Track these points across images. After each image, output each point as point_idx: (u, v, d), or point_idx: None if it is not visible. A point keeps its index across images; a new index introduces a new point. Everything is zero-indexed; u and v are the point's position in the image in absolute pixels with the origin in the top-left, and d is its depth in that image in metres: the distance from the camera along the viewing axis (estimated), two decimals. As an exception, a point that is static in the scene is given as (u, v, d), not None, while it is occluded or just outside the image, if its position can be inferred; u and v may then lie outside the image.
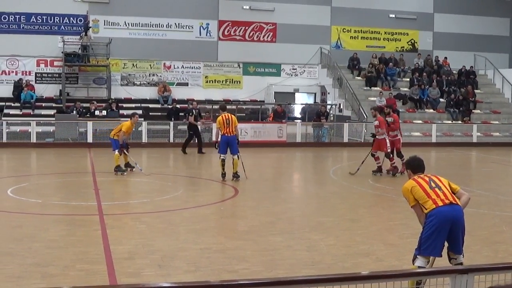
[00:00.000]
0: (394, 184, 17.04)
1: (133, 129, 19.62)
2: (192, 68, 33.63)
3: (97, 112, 28.35)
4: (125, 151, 18.32)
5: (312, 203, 14.96)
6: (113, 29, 32.28)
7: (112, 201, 13.93)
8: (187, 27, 33.48)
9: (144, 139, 27.04)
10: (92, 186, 15.94)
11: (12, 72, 31.28)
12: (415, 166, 7.63)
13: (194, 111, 25.16)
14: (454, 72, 36.25)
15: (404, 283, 4.50)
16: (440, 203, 6.97)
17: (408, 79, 35.10)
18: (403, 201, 14.43)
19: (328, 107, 31.67)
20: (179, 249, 9.74)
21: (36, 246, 9.62)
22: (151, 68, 33.00)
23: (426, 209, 7.06)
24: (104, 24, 32.32)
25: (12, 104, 30.07)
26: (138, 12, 32.54)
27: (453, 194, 7.13)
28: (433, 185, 7.15)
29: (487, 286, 4.37)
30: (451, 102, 33.60)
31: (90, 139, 26.50)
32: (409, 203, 7.36)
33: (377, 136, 19.00)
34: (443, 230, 6.90)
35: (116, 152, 18.02)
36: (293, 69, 35.04)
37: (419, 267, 6.83)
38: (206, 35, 33.98)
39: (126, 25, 32.54)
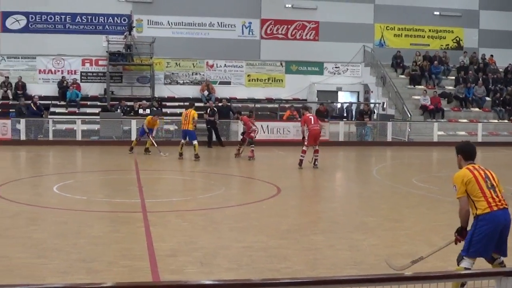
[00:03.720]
0: (439, 184, 16.82)
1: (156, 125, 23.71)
2: (235, 67, 33.72)
3: (141, 111, 28.61)
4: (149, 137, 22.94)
5: (355, 203, 14.86)
6: (157, 28, 32.57)
7: (155, 198, 14.01)
8: (230, 26, 33.57)
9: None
10: (135, 183, 16.11)
11: (58, 71, 31.79)
12: (468, 152, 7.18)
13: (209, 109, 27.06)
14: (501, 70, 35.61)
15: (448, 284, 4.42)
16: (495, 208, 6.66)
17: (453, 78, 34.60)
18: (448, 202, 14.33)
19: (372, 105, 31.43)
20: (221, 247, 9.77)
21: (81, 242, 9.76)
22: (194, 67, 33.19)
23: (478, 210, 6.76)
24: (148, 24, 32.62)
25: (58, 103, 30.54)
26: (181, 11, 32.76)
27: (503, 196, 6.79)
28: (489, 184, 6.78)
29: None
30: (497, 101, 33.03)
31: (134, 137, 26.70)
32: (457, 194, 6.95)
33: None
34: (495, 235, 6.66)
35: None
36: (335, 67, 34.86)
37: (465, 268, 6.64)
38: (249, 33, 34.03)
39: (169, 25, 32.79)
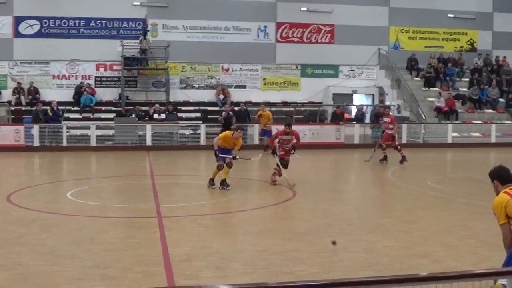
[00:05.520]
0: (453, 185, 16.78)
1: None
2: (250, 70, 33.75)
3: (156, 115, 28.69)
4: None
5: (370, 205, 14.85)
6: (172, 32, 32.66)
7: (170, 203, 14.03)
8: (245, 29, 33.63)
9: (203, 141, 27.25)
10: (150, 188, 16.15)
11: (72, 76, 31.91)
12: (504, 176, 6.75)
13: (224, 112, 27.61)
14: (515, 71, 35.47)
15: (461, 284, 4.44)
16: None
17: (467, 79, 34.48)
18: (462, 203, 14.31)
19: (381, 109, 31.34)
20: (237, 251, 9.80)
21: (96, 249, 9.79)
22: (209, 71, 33.26)
23: None
24: (163, 28, 32.72)
25: (72, 108, 30.56)
26: (196, 15, 32.83)
27: None
28: None
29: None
30: (511, 102, 32.85)
31: (149, 142, 26.86)
32: (498, 220, 6.54)
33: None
34: None
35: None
36: (351, 70, 34.82)
37: (502, 285, 6.37)
38: (264, 37, 34.07)
39: (184, 29, 32.88)
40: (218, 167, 15.84)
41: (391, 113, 24.22)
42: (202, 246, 9.96)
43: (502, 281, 6.20)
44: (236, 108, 29.59)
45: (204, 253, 9.55)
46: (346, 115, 31.58)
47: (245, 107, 29.35)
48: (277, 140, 17.10)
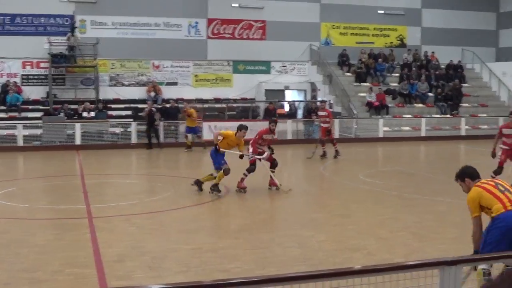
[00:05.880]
0: (384, 179, 17.04)
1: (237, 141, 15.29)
2: (182, 67, 33.45)
3: (85, 114, 28.13)
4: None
5: (303, 200, 14.91)
6: (100, 29, 32.04)
7: (101, 203, 13.77)
8: (176, 26, 33.32)
9: (134, 139, 26.90)
10: (80, 189, 15.76)
11: (-3, 74, 30.94)
12: (472, 173, 7.24)
13: (147, 109, 26.94)
14: (442, 66, 36.31)
15: (393, 276, 4.45)
16: (510, 207, 6.64)
17: (397, 75, 35.13)
18: (393, 196, 14.52)
19: (318, 104, 31.61)
20: (170, 250, 9.69)
21: (24, 252, 9.51)
22: (139, 68, 32.80)
23: (493, 213, 6.72)
24: (91, 24, 32.07)
25: (-3, 108, 29.57)
26: (126, 11, 32.32)
27: None
28: (502, 188, 6.83)
29: (475, 277, 4.35)
30: (440, 96, 33.66)
31: (78, 141, 26.31)
32: (472, 213, 6.94)
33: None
34: (509, 234, 6.55)
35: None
36: (283, 66, 34.96)
37: (483, 269, 6.43)
38: (195, 33, 33.83)
39: (113, 25, 32.33)
40: (225, 172, 14.42)
41: (326, 107, 24.35)
42: (134, 246, 9.81)
43: (481, 266, 6.32)
44: (167, 105, 29.32)
45: (136, 253, 9.41)
46: (282, 111, 31.74)
47: (175, 104, 29.05)
48: (259, 141, 15.73)
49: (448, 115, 32.88)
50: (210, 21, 33.95)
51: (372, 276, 4.38)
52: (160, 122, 27.07)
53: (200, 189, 14.74)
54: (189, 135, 25.86)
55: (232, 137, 14.79)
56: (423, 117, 31.70)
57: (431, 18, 37.57)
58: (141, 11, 32.40)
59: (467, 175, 7.24)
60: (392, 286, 4.43)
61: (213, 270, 8.52)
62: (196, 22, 33.72)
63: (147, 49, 32.32)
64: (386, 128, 30.57)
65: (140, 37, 32.54)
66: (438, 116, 32.80)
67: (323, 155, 22.32)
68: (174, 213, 12.78)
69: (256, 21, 34.68)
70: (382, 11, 36.70)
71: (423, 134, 30.83)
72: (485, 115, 33.41)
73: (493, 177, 13.94)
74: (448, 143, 28.45)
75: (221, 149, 14.57)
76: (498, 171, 14.12)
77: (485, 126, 32.29)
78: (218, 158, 14.59)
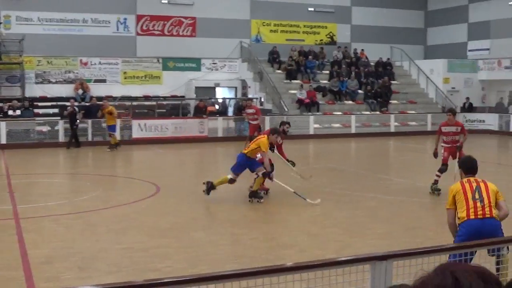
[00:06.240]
0: (315, 176, 17.17)
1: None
2: (110, 64, 32.91)
3: (11, 112, 27.35)
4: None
5: (234, 198, 14.88)
6: (26, 25, 31.22)
7: (28, 204, 13.43)
8: (104, 22, 32.80)
9: (61, 138, 26.34)
10: (6, 189, 15.33)
11: None
12: (467, 167, 7.49)
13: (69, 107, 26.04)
14: (372, 64, 36.89)
15: (325, 272, 4.47)
16: (472, 216, 6.90)
17: (327, 72, 35.48)
18: (325, 192, 14.64)
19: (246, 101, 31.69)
20: (100, 250, 9.54)
21: None
22: (67, 65, 32.08)
23: (459, 219, 7.04)
24: (16, 20, 31.21)
25: None
26: (52, 7, 31.59)
27: (491, 206, 6.98)
28: (477, 196, 7.00)
29: (406, 271, 4.40)
30: (369, 93, 34.21)
31: (3, 140, 25.57)
32: (446, 204, 7.26)
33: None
34: (471, 240, 6.62)
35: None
36: (213, 63, 34.85)
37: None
38: (124, 30, 33.39)
39: (39, 21, 31.55)
40: (264, 175, 13.44)
41: (253, 104, 24.40)
42: (63, 247, 9.62)
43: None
44: (87, 104, 28.72)
45: (65, 254, 9.23)
46: (212, 108, 31.65)
47: (96, 102, 28.24)
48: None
49: (378, 112, 33.45)
50: (139, 18, 33.56)
51: (304, 272, 4.39)
52: (78, 121, 26.13)
53: (208, 193, 13.66)
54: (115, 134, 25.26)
55: (266, 143, 13.40)
56: (353, 114, 32.17)
57: (361, 16, 38.20)
58: (68, 6, 31.73)
59: (461, 166, 7.69)
60: (324, 282, 4.44)
61: (144, 269, 8.43)
62: (125, 19, 33.27)
63: (74, 45, 31.66)
64: (316, 125, 30.89)
65: (67, 33, 31.88)
66: (368, 113, 33.34)
67: None
68: (104, 212, 12.57)
69: (186, 17, 34.47)
70: (312, 9, 37.07)
71: (353, 131, 31.30)
72: (413, 112, 34.14)
73: (438, 176, 14.23)
74: (377, 140, 28.96)
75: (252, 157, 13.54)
76: (443, 169, 14.34)
77: (414, 123, 33.04)
78: (253, 162, 13.56)
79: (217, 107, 32.85)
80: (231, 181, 13.63)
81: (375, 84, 34.84)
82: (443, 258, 4.96)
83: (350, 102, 33.87)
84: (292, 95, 32.79)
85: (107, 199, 14.21)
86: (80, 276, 8.21)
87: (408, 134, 31.24)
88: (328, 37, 37.92)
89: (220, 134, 29.04)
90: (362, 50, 37.16)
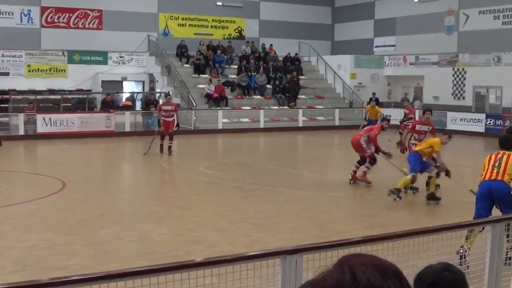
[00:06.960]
0: (224, 170, 17.27)
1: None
2: (13, 56, 31.89)
3: None
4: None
5: (143, 193, 14.79)
6: None
7: None
8: (7, 13, 31.69)
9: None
10: None
11: None
12: (500, 143, 9.11)
13: None
14: (280, 59, 37.30)
15: (235, 267, 4.51)
16: (487, 178, 8.69)
17: (236, 66, 35.63)
18: (234, 187, 14.74)
19: (157, 95, 31.44)
20: (4, 248, 9.31)
21: None
22: (-34, 57, 30.89)
23: (480, 180, 8.87)
24: None
25: None
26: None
27: (505, 173, 8.58)
28: (496, 164, 8.70)
29: (316, 264, 4.49)
30: (278, 88, 34.57)
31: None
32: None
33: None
34: (483, 197, 8.69)
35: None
36: (120, 57, 34.33)
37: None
38: (28, 22, 32.38)
39: None
40: (413, 179, 13.18)
41: (164, 100, 23.91)
42: (-36, 246, 9.26)
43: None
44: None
45: (-35, 253, 8.88)
46: (128, 103, 31.21)
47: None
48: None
49: (286, 107, 33.87)
50: (43, 9, 32.63)
51: (214, 267, 4.40)
52: None
53: (399, 197, 13.08)
54: None
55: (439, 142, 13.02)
56: (262, 109, 32.43)
57: (269, 11, 38.51)
58: (-33, -4, 30.49)
59: (499, 143, 9.16)
60: (235, 277, 4.48)
61: (51, 267, 8.29)
62: (29, 10, 32.28)
63: (-25, 37, 30.48)
64: (225, 120, 30.96)
65: (-34, 25, 30.62)
66: (276, 107, 33.70)
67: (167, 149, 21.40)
68: (8, 209, 12.21)
69: (92, 10, 33.78)
70: (220, 3, 37.08)
71: (261, 125, 31.54)
72: (321, 106, 34.75)
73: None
74: (286, 134, 29.32)
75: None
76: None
77: (322, 118, 33.63)
78: (418, 162, 13.11)
79: (131, 103, 32.34)
80: (414, 178, 13.26)
81: (284, 79, 35.24)
82: (352, 251, 5.08)
83: (259, 97, 34.13)
84: (200, 90, 32.75)
85: (11, 195, 13.81)
86: (-18, 275, 7.96)
87: (316, 128, 31.77)
88: (237, 32, 38.07)
89: (127, 129, 28.64)
90: (271, 45, 37.51)
